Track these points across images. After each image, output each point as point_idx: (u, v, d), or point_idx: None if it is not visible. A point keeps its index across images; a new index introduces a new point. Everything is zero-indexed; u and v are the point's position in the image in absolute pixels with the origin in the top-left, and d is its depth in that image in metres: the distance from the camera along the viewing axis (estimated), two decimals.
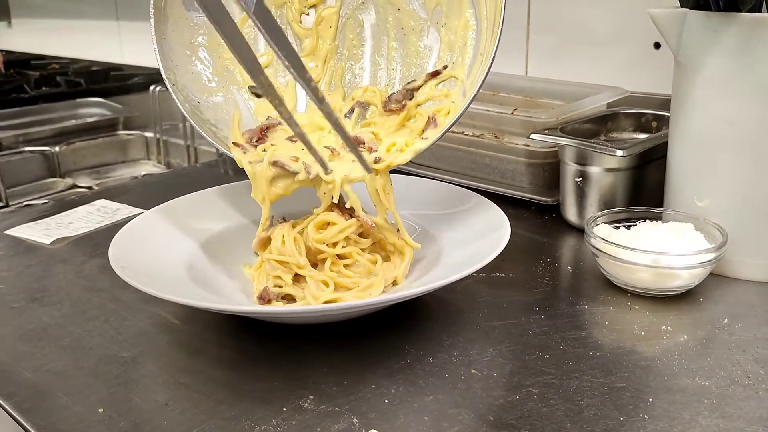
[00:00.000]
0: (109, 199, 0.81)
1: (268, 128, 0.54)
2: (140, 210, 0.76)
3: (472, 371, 0.45)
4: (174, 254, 0.54)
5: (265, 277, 0.53)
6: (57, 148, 1.15)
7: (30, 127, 1.18)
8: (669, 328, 0.49)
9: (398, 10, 0.59)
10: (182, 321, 0.52)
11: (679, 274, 0.52)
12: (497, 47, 0.50)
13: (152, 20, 0.55)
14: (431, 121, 0.54)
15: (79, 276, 0.61)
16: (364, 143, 0.52)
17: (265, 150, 0.51)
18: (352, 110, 0.57)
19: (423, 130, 0.54)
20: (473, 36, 0.55)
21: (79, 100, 1.35)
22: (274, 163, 0.50)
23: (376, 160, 0.50)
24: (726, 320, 0.50)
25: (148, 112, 1.28)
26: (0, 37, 2.24)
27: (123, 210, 0.77)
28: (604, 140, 0.74)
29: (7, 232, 0.72)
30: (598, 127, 0.74)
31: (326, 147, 0.52)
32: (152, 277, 0.49)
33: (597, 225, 0.57)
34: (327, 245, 0.51)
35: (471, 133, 0.76)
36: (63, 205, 0.80)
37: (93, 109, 1.35)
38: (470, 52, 0.55)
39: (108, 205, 0.79)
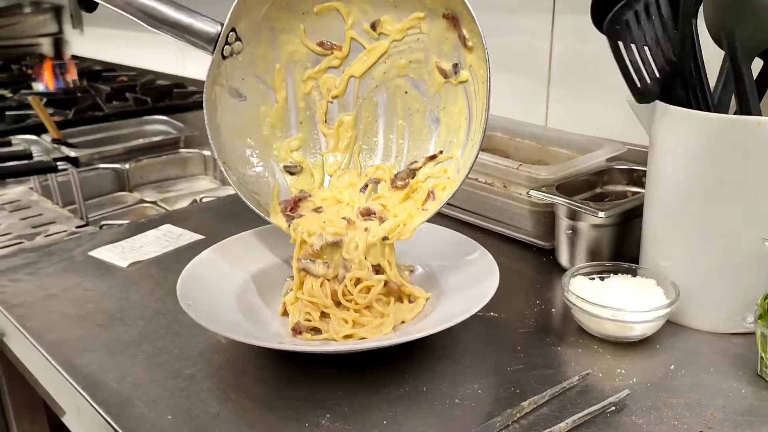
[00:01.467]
0: (173, 224, 0.96)
1: (300, 200, 0.67)
2: (200, 236, 0.90)
3: (456, 401, 0.57)
4: (227, 289, 0.68)
5: (298, 312, 0.66)
6: (127, 165, 1.30)
7: (104, 145, 1.34)
8: (623, 371, 0.60)
9: (405, 93, 0.71)
10: (232, 345, 0.65)
11: (634, 327, 0.62)
12: (483, 136, 0.62)
13: (205, 111, 0.68)
14: (430, 195, 0.66)
15: (150, 299, 0.75)
16: (374, 213, 0.64)
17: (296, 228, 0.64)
18: (366, 186, 0.69)
19: (424, 202, 0.66)
20: (466, 122, 0.66)
21: (146, 117, 1.51)
22: (303, 270, 0.63)
23: (384, 238, 0.62)
24: (672, 366, 0.61)
25: (204, 129, 1.42)
26: (73, 44, 2.43)
27: (186, 235, 0.91)
28: (600, 193, 0.84)
29: (91, 253, 0.87)
30: (595, 179, 0.85)
31: (343, 218, 0.65)
32: (211, 312, 0.62)
33: (574, 277, 0.68)
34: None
35: (484, 181, 0.88)
36: (135, 228, 0.95)
37: (158, 126, 1.51)
38: (464, 136, 0.66)
39: (173, 230, 0.94)
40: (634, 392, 0.57)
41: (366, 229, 0.63)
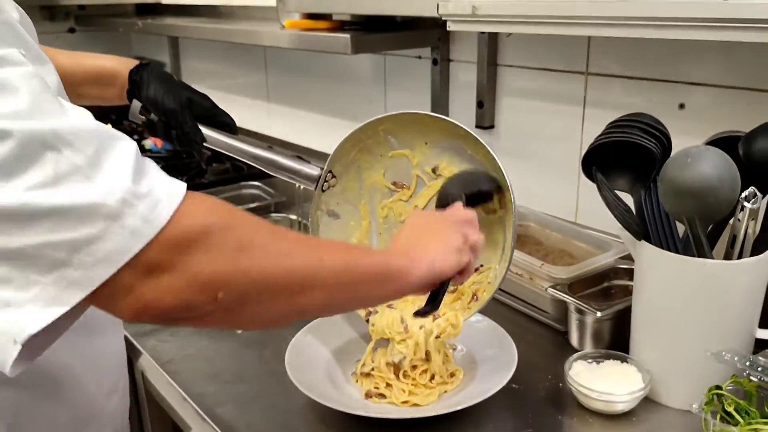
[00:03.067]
0: None
1: None
2: None
3: None
4: (318, 361, 0.94)
5: (371, 381, 0.91)
6: None
7: None
8: None
9: None
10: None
11: (617, 404, 0.85)
12: (512, 252, 0.86)
13: (310, 229, 0.94)
14: (474, 297, 0.90)
15: (260, 360, 1.02)
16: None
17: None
18: None
19: (469, 302, 0.90)
20: (502, 240, 0.90)
21: (242, 183, 1.81)
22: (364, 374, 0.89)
23: (438, 336, 0.87)
24: None
25: (292, 196, 1.70)
26: None
27: None
28: (607, 287, 1.06)
29: None
30: (604, 275, 1.07)
31: (402, 323, 0.90)
32: (309, 381, 0.88)
33: (576, 361, 0.91)
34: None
35: (515, 272, 1.11)
36: None
37: (252, 191, 1.79)
38: (500, 252, 0.90)
39: None
40: None
41: (421, 327, 0.88)
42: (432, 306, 0.75)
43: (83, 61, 0.98)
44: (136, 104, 0.97)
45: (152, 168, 0.54)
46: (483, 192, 0.91)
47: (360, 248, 0.76)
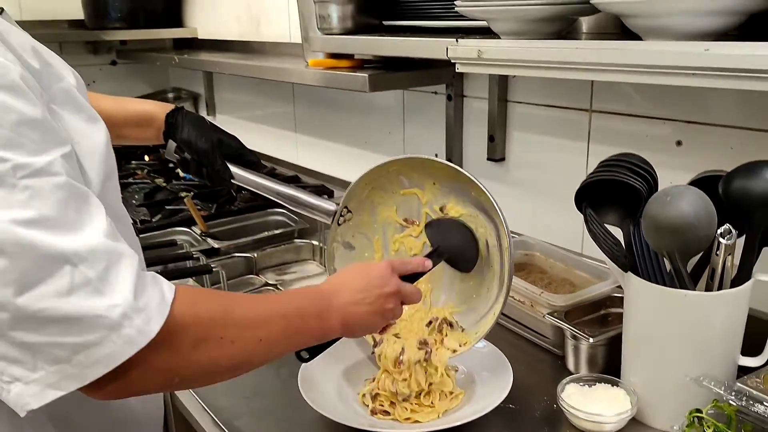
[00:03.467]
0: None
1: (387, 325, 1.00)
2: None
3: None
4: (329, 380, 1.01)
5: (376, 399, 0.98)
6: (255, 254, 1.68)
7: (238, 237, 1.73)
8: None
9: None
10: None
11: (606, 425, 0.91)
12: (506, 297, 0.93)
13: (326, 260, 1.03)
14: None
15: (277, 377, 1.10)
16: (428, 344, 0.97)
17: None
18: (430, 322, 1.01)
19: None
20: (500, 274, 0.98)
21: (268, 210, 1.90)
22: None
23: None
24: None
25: (314, 224, 1.79)
26: None
27: None
28: (604, 314, 1.12)
29: None
30: (601, 303, 1.13)
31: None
32: (322, 400, 0.96)
33: (568, 384, 0.97)
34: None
35: (518, 299, 1.17)
36: None
37: (277, 218, 1.89)
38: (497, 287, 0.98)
39: None
40: None
41: (417, 363, 0.97)
42: (313, 355, 0.88)
43: (125, 105, 1.09)
44: (172, 144, 1.07)
45: (149, 282, 0.65)
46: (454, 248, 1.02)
47: (300, 311, 0.81)
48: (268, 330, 0.75)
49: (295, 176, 2.22)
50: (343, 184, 2.06)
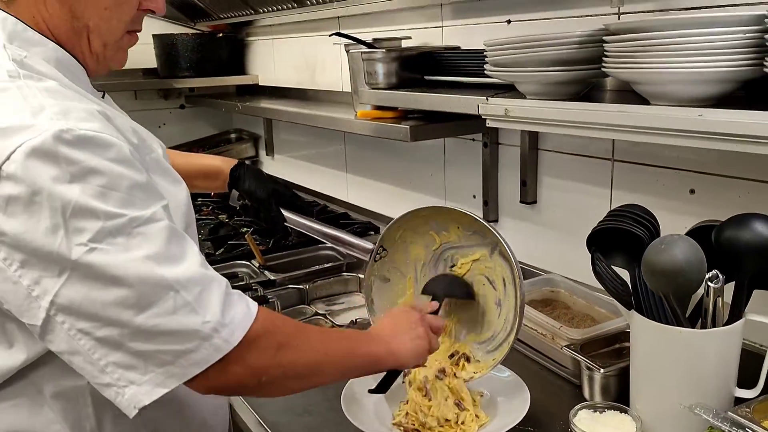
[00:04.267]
0: None
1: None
2: None
3: None
4: (368, 401, 1.16)
5: (408, 418, 1.12)
6: (307, 286, 1.85)
7: (292, 270, 1.91)
8: None
9: (483, 284, 1.18)
10: None
11: None
12: (516, 334, 1.06)
13: (364, 292, 1.18)
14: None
15: (323, 398, 1.25)
16: (444, 371, 1.11)
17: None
18: (452, 354, 1.15)
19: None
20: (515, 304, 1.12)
21: (319, 245, 2.07)
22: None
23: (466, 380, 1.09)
24: None
25: (360, 258, 1.95)
26: (266, 166, 3.13)
27: None
28: (618, 347, 1.23)
29: None
30: (616, 336, 1.24)
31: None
32: (361, 418, 1.10)
33: (581, 410, 1.08)
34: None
35: (540, 332, 1.30)
36: None
37: (328, 252, 2.05)
38: (510, 324, 1.11)
39: None
40: None
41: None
42: (383, 389, 1.07)
43: (195, 161, 1.29)
44: (235, 193, 1.26)
45: (234, 300, 0.82)
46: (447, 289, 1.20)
47: (355, 338, 1.02)
48: (332, 347, 0.93)
49: (344, 213, 2.39)
50: (389, 220, 2.22)
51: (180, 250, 0.79)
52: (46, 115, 0.75)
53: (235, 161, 1.31)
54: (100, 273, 0.74)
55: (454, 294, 1.21)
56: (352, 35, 1.80)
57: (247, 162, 1.31)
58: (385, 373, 1.06)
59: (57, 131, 0.73)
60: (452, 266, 1.23)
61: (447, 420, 1.09)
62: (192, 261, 0.80)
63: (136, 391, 0.77)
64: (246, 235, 2.01)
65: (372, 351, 0.99)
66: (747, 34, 0.96)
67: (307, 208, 1.30)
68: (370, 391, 1.07)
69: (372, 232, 2.19)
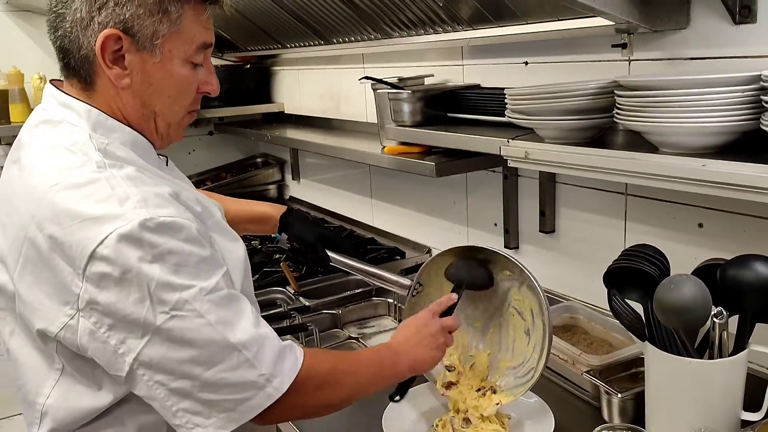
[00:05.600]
0: None
1: (451, 383, 1.26)
2: None
3: None
4: (405, 422, 1.27)
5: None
6: (340, 310, 1.97)
7: (324, 296, 2.03)
8: None
9: (513, 315, 1.29)
10: None
11: None
12: (549, 348, 1.18)
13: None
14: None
15: (366, 418, 1.37)
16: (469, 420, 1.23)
17: None
18: (480, 389, 1.27)
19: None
20: (543, 337, 1.23)
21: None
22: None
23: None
24: None
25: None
26: (291, 190, 3.26)
27: None
28: (635, 372, 1.34)
29: None
30: (632, 362, 1.35)
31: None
32: None
33: (601, 431, 1.19)
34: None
35: (562, 357, 1.41)
36: None
37: (357, 278, 2.16)
38: (539, 354, 1.23)
39: None
40: None
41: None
42: (401, 394, 1.23)
43: (247, 207, 1.42)
44: (284, 237, 1.39)
45: (286, 353, 0.97)
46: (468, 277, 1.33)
47: (379, 363, 1.14)
48: (361, 377, 1.09)
49: (371, 238, 2.51)
50: (415, 245, 2.34)
51: (237, 313, 0.93)
52: (131, 204, 0.89)
53: (284, 208, 1.45)
54: (178, 336, 0.89)
55: (477, 280, 1.33)
56: (379, 78, 1.92)
57: (295, 208, 1.43)
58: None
59: (142, 220, 0.87)
60: None
61: None
62: (248, 322, 0.94)
63: None
64: (281, 263, 2.13)
65: (395, 372, 1.16)
66: (745, 93, 1.07)
67: (350, 249, 1.43)
68: (391, 399, 1.24)
69: (398, 257, 2.30)
